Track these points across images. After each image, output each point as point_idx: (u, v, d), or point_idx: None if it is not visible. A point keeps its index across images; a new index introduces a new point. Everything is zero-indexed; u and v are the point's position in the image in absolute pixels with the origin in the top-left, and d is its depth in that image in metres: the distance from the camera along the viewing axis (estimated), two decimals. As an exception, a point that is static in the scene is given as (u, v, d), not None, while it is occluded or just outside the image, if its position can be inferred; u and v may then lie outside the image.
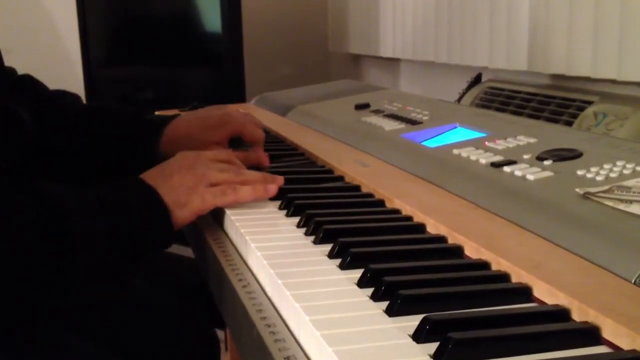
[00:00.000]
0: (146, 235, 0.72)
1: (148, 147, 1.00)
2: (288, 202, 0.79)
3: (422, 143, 0.97)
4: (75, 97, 1.11)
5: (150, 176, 0.75)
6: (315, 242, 0.67)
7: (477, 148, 0.88)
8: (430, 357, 0.45)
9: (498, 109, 1.46)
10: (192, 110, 1.31)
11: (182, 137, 1.01)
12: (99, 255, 0.66)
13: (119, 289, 0.92)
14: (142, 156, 0.99)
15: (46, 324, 0.69)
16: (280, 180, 0.82)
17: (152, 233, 0.72)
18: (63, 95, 1.09)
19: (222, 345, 1.15)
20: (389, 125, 1.09)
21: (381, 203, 0.80)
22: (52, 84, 1.11)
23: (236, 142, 1.03)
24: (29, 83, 1.07)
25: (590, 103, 1.29)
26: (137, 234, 0.71)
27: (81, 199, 0.69)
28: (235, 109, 1.09)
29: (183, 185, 0.74)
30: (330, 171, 0.95)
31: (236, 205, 0.78)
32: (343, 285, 0.57)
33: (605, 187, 0.67)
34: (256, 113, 1.44)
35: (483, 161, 0.82)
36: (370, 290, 0.54)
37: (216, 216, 0.82)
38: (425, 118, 1.09)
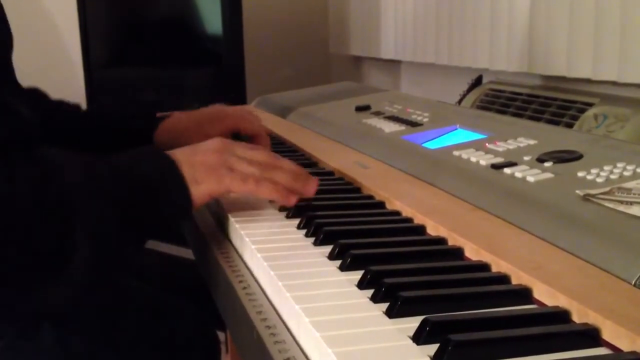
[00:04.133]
0: (161, 206, 0.68)
1: (144, 139, 0.98)
2: (288, 203, 0.78)
3: (423, 145, 0.97)
4: (76, 105, 1.11)
5: (175, 151, 0.73)
6: (315, 244, 0.67)
7: (477, 150, 0.88)
8: (430, 358, 0.45)
9: (499, 111, 1.46)
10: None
11: (177, 131, 0.99)
12: (100, 238, 0.63)
13: (117, 290, 0.92)
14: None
15: (46, 307, 0.65)
16: (313, 183, 0.77)
17: (168, 204, 0.69)
18: (66, 103, 1.10)
19: (223, 347, 1.15)
20: (390, 127, 1.09)
21: (381, 205, 0.80)
22: (53, 85, 1.11)
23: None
24: (38, 92, 1.07)
25: (590, 105, 1.29)
26: (151, 205, 0.67)
27: (90, 170, 0.66)
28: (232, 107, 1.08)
29: (204, 164, 0.71)
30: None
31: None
32: (343, 287, 0.57)
33: (606, 189, 0.67)
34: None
35: (483, 163, 0.82)
36: (370, 292, 0.55)
37: (217, 217, 0.82)
38: (425, 120, 1.09)
